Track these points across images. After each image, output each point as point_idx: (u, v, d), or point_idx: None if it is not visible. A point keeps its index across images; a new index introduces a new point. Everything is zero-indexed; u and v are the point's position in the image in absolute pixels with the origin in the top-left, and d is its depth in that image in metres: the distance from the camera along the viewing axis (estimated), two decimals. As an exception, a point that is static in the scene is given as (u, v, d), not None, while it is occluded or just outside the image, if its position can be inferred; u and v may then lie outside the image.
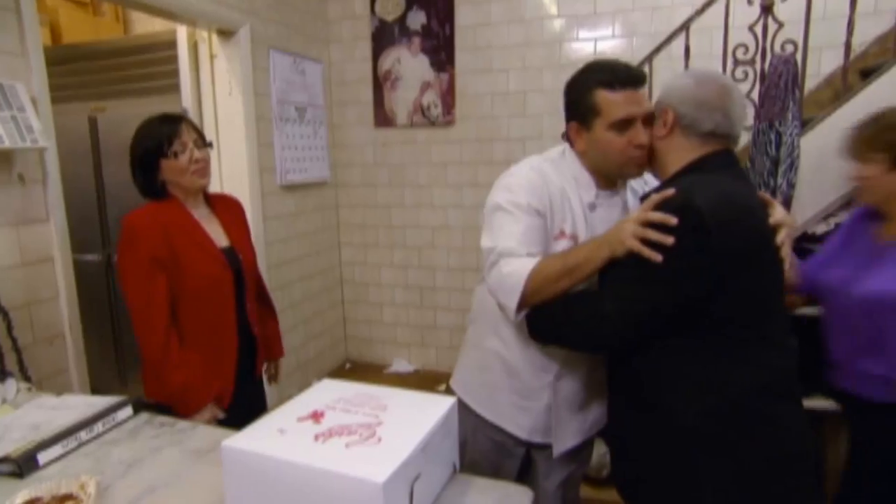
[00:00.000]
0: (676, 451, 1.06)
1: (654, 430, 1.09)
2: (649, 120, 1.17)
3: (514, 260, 1.15)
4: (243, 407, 1.49)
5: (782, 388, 1.05)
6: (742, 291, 1.01)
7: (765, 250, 1.05)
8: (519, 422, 1.33)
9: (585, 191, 1.25)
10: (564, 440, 1.34)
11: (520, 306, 1.14)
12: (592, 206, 1.25)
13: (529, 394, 1.31)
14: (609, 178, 1.26)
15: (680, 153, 1.13)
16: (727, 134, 1.10)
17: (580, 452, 1.44)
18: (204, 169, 1.46)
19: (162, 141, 1.40)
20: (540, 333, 1.21)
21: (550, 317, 1.15)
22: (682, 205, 1.00)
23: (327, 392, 0.99)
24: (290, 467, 0.77)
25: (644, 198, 1.12)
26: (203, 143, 1.47)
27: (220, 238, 1.50)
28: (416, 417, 0.88)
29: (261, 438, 0.83)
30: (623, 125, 1.15)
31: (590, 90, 1.19)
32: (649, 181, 1.31)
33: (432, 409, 0.91)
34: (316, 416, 0.89)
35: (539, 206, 1.20)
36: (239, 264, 1.51)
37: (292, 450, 0.80)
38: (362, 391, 0.99)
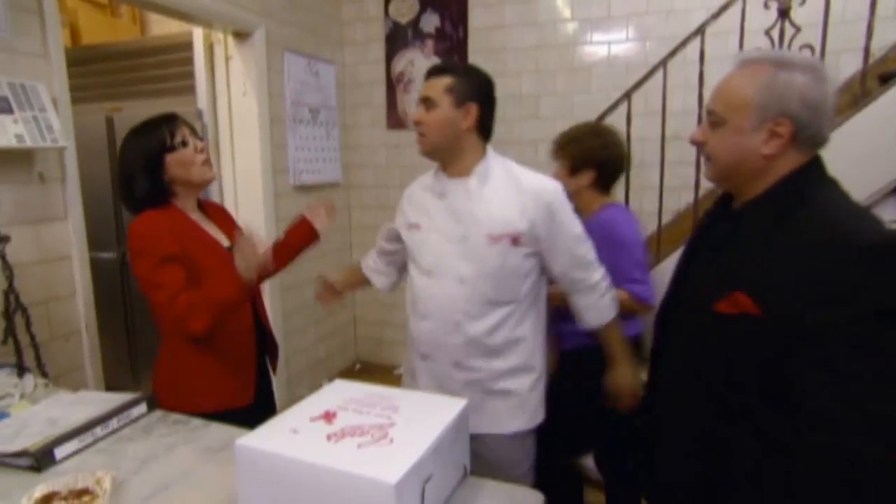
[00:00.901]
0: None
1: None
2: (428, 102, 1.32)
3: None
4: (258, 405, 1.48)
5: None
6: None
7: None
8: None
9: (436, 182, 1.43)
10: None
11: None
12: (440, 195, 1.40)
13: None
14: (454, 166, 1.39)
15: (784, 168, 0.93)
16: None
17: None
18: (209, 160, 1.44)
19: (163, 136, 1.37)
20: None
21: None
22: (873, 244, 0.80)
23: (339, 392, 0.99)
24: (303, 467, 0.78)
25: (731, 219, 0.98)
26: (196, 136, 1.44)
27: (220, 239, 1.49)
28: (427, 419, 0.88)
29: (274, 438, 0.84)
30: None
31: None
32: (513, 170, 1.38)
33: (444, 410, 0.91)
34: (328, 417, 0.90)
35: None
36: None
37: (305, 450, 0.80)
38: (374, 392, 0.99)
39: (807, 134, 0.89)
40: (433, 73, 1.37)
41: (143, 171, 1.37)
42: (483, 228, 1.33)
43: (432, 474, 0.81)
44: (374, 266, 1.67)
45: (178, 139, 1.38)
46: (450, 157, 1.37)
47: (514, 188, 1.35)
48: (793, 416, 0.85)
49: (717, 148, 0.97)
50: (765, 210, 0.93)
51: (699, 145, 1.01)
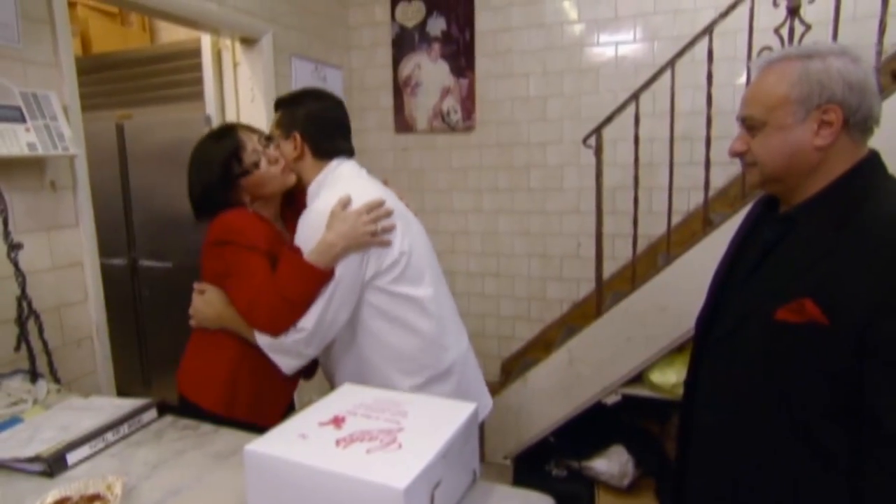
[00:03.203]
0: None
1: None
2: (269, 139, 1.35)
3: None
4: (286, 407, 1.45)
5: None
6: None
7: None
8: None
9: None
10: None
11: None
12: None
13: None
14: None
15: (840, 161, 0.88)
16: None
17: None
18: (284, 165, 1.34)
19: (228, 162, 1.28)
20: None
21: None
22: None
23: (348, 397, 0.99)
24: (312, 472, 0.78)
25: (783, 221, 0.95)
26: (266, 139, 1.36)
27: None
28: (436, 424, 0.88)
29: (283, 443, 0.84)
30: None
31: None
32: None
33: (453, 415, 0.91)
34: (337, 422, 0.90)
35: None
36: None
37: (314, 455, 0.80)
38: (383, 397, 0.99)
39: (859, 117, 0.85)
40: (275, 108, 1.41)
41: (214, 197, 1.31)
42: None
43: (441, 479, 0.80)
44: None
45: (248, 161, 1.29)
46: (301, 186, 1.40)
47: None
48: (859, 431, 0.82)
49: (762, 150, 0.92)
50: (822, 212, 0.88)
51: (741, 156, 0.97)
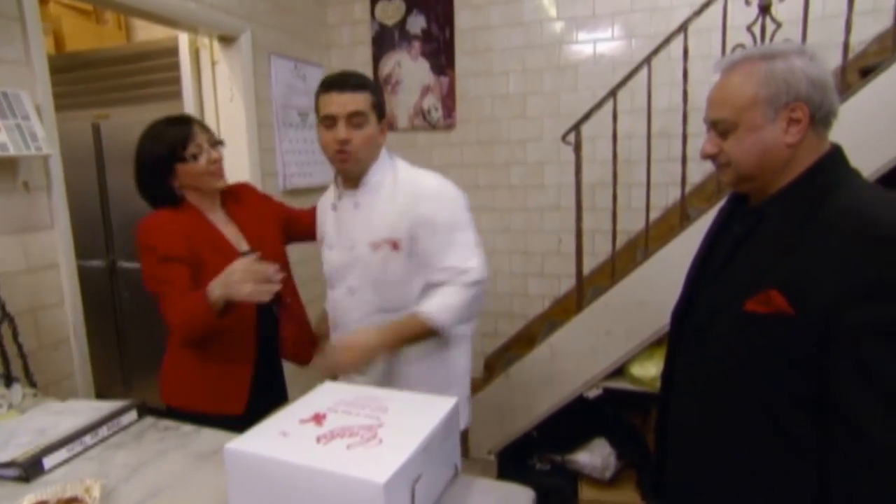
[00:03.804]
0: None
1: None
2: (355, 120, 1.28)
3: None
4: (263, 411, 1.45)
5: None
6: None
7: None
8: None
9: (333, 195, 1.46)
10: None
11: None
12: (334, 207, 1.45)
13: None
14: (349, 177, 1.40)
15: (808, 155, 0.92)
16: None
17: None
18: (221, 170, 1.43)
19: (176, 145, 1.36)
20: None
21: None
22: None
23: (329, 394, 1.00)
24: (293, 469, 0.78)
25: (752, 216, 0.96)
26: (216, 141, 1.44)
27: (239, 242, 1.47)
28: (416, 419, 0.89)
29: (263, 441, 0.84)
30: (327, 122, 1.31)
31: (317, 93, 1.35)
32: (379, 181, 1.38)
33: (433, 410, 0.92)
34: (318, 419, 0.90)
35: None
36: None
37: (295, 452, 0.81)
38: (363, 393, 1.00)
39: (822, 112, 0.89)
40: (348, 86, 1.31)
41: (152, 175, 1.39)
42: (367, 237, 1.36)
43: (422, 474, 0.81)
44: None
45: (190, 150, 1.36)
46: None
47: (401, 193, 1.37)
48: (824, 419, 0.84)
49: (735, 151, 0.95)
50: (789, 205, 0.91)
51: (712, 158, 0.99)
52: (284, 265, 1.56)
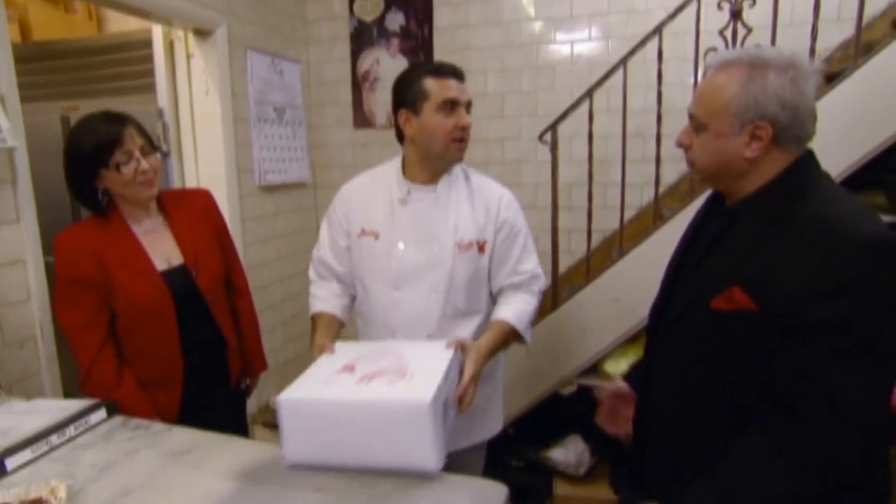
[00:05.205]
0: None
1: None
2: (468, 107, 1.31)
3: None
4: (220, 417, 1.41)
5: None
6: None
7: None
8: None
9: (398, 187, 1.37)
10: None
11: None
12: (403, 202, 1.35)
13: None
14: (430, 170, 1.36)
15: (770, 167, 0.94)
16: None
17: None
18: (151, 180, 1.30)
19: (101, 147, 1.23)
20: None
21: None
22: (873, 240, 0.81)
23: (346, 352, 1.15)
24: (348, 406, 0.92)
25: (727, 216, 0.99)
26: (151, 148, 1.31)
27: (170, 255, 1.38)
28: (431, 357, 1.08)
29: (313, 388, 0.98)
30: (448, 107, 1.29)
31: (420, 77, 1.31)
32: (468, 175, 1.41)
33: (440, 349, 1.12)
34: (349, 369, 1.04)
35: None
36: (189, 282, 1.38)
37: (347, 392, 0.95)
38: (375, 348, 1.15)
39: (789, 133, 0.90)
40: (462, 76, 1.36)
41: (76, 172, 1.29)
42: (453, 237, 1.32)
43: (447, 398, 1.02)
44: (339, 302, 1.48)
45: (116, 158, 1.25)
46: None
47: (477, 195, 1.38)
48: (764, 404, 0.87)
49: (699, 152, 0.99)
50: (761, 207, 0.94)
51: (685, 148, 1.02)
52: (220, 281, 1.48)
